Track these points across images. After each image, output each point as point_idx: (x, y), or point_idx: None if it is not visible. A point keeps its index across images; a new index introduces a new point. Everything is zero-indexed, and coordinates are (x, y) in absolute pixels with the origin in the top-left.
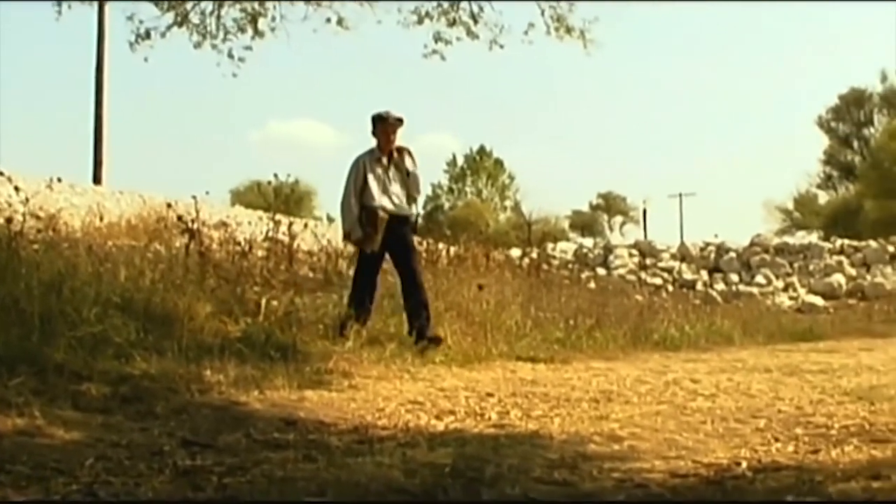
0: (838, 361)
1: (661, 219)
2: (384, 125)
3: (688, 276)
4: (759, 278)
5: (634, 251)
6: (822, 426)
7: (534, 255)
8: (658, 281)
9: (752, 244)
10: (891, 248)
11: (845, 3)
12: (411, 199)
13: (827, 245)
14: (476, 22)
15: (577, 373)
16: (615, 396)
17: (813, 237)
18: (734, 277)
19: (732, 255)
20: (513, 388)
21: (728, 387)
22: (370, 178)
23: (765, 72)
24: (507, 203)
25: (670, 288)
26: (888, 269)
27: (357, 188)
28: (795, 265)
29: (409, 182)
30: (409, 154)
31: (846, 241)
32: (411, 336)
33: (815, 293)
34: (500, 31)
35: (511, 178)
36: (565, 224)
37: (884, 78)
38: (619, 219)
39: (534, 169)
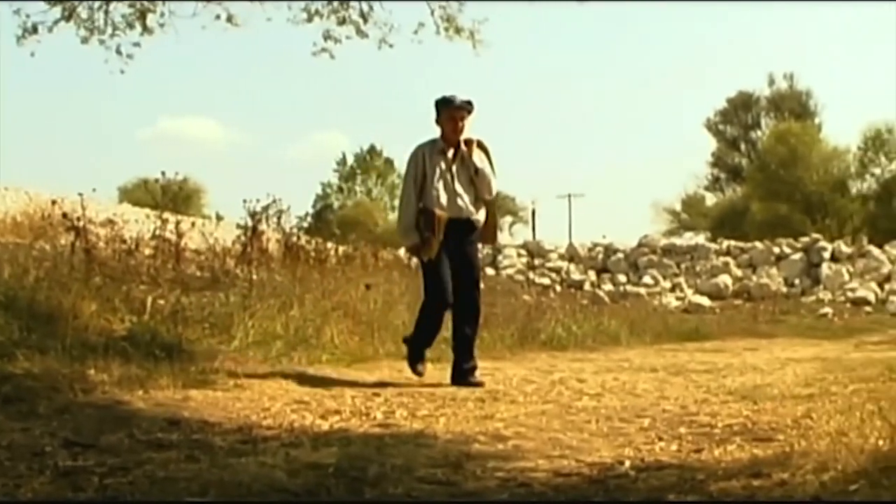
0: (723, 361)
1: (550, 219)
2: (449, 111)
3: (576, 276)
4: (647, 279)
5: (523, 251)
6: (705, 425)
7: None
8: (546, 281)
9: (639, 245)
10: (776, 250)
11: (735, 6)
12: (480, 201)
13: (714, 246)
14: (366, 21)
15: None
16: (501, 396)
17: (700, 238)
18: (622, 278)
19: (620, 255)
20: (399, 387)
21: (614, 386)
22: (430, 173)
23: (654, 74)
24: (397, 203)
25: (558, 288)
26: (773, 271)
27: (417, 185)
28: (682, 266)
29: (476, 181)
30: (481, 147)
31: (733, 243)
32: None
33: (702, 294)
34: (390, 30)
35: (401, 177)
36: None
37: (771, 82)
38: (508, 219)
39: None
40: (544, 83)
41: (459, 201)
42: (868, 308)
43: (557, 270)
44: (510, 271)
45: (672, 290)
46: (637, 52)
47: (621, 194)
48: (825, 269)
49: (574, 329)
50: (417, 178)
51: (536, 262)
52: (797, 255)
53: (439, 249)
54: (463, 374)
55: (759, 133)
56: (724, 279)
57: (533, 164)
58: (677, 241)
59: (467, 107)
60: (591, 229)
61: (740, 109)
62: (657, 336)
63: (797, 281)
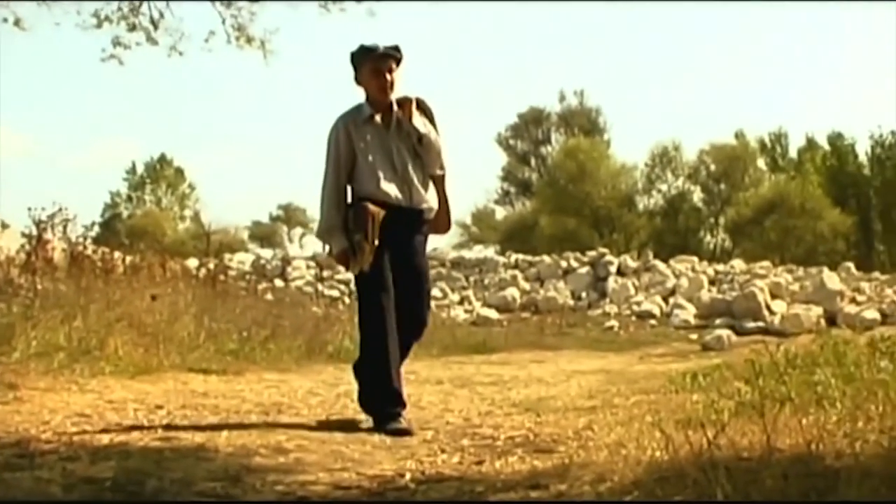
0: (509, 373)
1: None
2: (372, 63)
3: None
4: (436, 291)
5: (312, 263)
6: (488, 437)
7: (211, 265)
8: (336, 293)
9: (428, 257)
10: (564, 264)
11: (529, 21)
12: (428, 179)
13: (502, 259)
14: (156, 27)
15: (249, 384)
16: (286, 408)
17: (489, 251)
18: None
19: None
20: (183, 400)
21: None
22: (361, 150)
23: (447, 86)
24: (187, 213)
25: (347, 300)
26: (561, 284)
27: (342, 170)
28: (471, 279)
29: (422, 151)
30: (421, 107)
31: (521, 256)
32: (365, 411)
33: (490, 306)
34: (181, 37)
35: (192, 187)
36: (245, 235)
37: (562, 98)
38: (298, 230)
39: (215, 178)
40: (334, 93)
41: (406, 184)
42: (653, 321)
43: (347, 282)
44: (299, 283)
45: (460, 302)
46: (429, 64)
47: None
48: (611, 282)
49: None
50: (342, 160)
51: (326, 273)
52: (584, 269)
53: (376, 255)
54: (389, 416)
55: (549, 148)
56: (512, 292)
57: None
58: (466, 253)
59: (394, 54)
60: None
61: (531, 125)
62: (445, 348)
63: (584, 294)
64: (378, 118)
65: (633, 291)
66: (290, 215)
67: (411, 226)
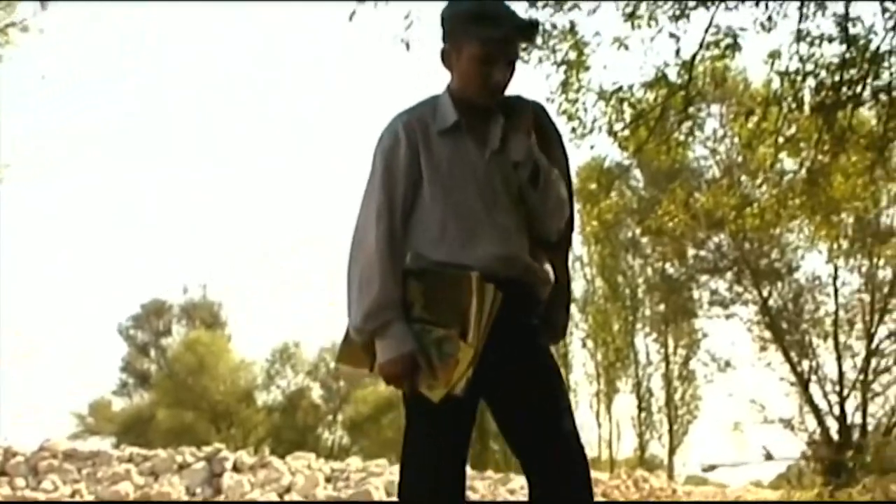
0: None
1: None
2: (485, 45)
3: None
4: (47, 484)
5: None
6: None
7: None
8: None
9: (41, 448)
10: (179, 458)
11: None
12: (540, 246)
13: (117, 453)
14: None
15: None
16: None
17: (105, 444)
18: (21, 482)
19: (20, 458)
20: None
21: None
22: (432, 178)
23: (66, 275)
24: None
25: None
26: (175, 479)
27: (398, 209)
28: (84, 472)
29: (532, 199)
30: (542, 121)
31: (136, 450)
32: None
33: (100, 501)
34: None
35: None
36: None
37: (185, 290)
38: None
39: None
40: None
41: (510, 245)
42: None
43: None
44: None
45: (72, 496)
46: (53, 247)
47: (29, 395)
48: (227, 478)
49: None
50: (399, 191)
51: None
52: (200, 464)
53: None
54: None
55: (170, 340)
56: (126, 486)
57: None
58: (80, 445)
59: (528, 34)
60: None
61: (153, 315)
62: None
63: (199, 490)
64: (467, 129)
65: (248, 488)
66: None
67: (526, 318)
